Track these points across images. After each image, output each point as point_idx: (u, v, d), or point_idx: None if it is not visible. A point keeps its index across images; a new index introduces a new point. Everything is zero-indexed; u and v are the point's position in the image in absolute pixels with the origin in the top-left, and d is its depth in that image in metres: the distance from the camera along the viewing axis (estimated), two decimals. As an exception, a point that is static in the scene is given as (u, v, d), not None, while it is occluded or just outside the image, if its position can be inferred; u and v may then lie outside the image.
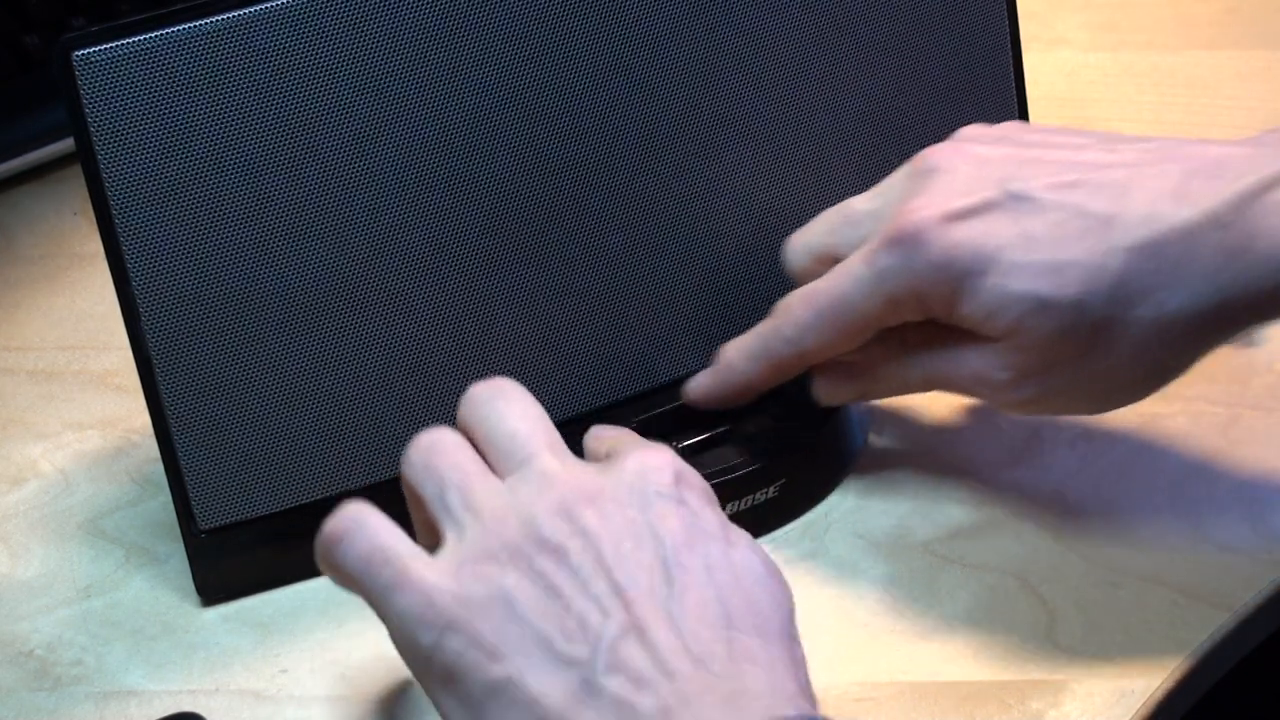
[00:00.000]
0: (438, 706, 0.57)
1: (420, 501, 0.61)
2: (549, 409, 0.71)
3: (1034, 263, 0.62)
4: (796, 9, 0.72)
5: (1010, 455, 0.73)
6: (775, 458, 0.71)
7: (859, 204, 0.68)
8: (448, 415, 0.70)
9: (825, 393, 0.70)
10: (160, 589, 0.70)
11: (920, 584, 0.68)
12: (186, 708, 0.65)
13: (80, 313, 0.84)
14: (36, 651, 0.68)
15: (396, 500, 0.70)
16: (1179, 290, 0.61)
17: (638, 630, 0.54)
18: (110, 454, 0.76)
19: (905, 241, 0.64)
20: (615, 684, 0.53)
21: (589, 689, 0.54)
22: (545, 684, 0.54)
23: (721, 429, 0.72)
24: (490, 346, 0.70)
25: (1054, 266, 0.62)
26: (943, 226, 0.63)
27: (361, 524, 0.59)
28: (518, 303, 0.70)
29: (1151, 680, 0.64)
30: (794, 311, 0.67)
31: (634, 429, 0.71)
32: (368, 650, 0.67)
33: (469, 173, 0.68)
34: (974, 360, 0.65)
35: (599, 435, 0.67)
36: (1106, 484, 0.72)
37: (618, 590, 0.55)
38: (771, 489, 0.70)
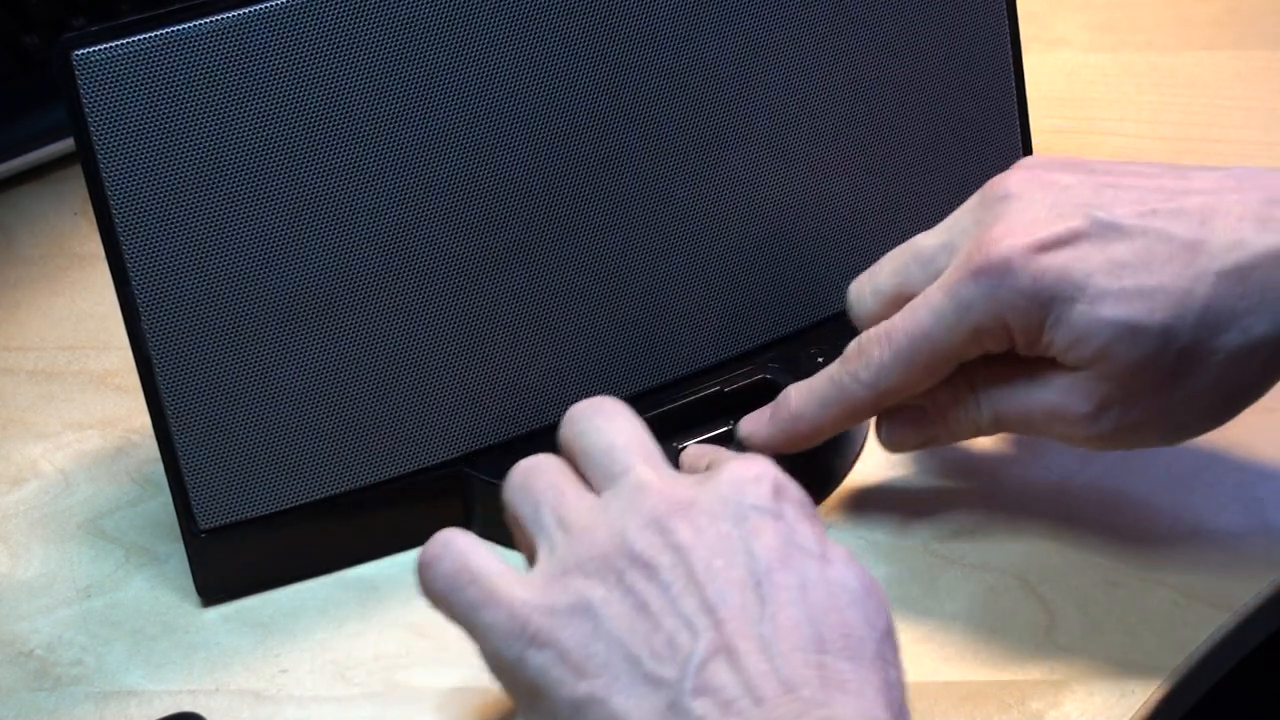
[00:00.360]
0: (524, 717, 0.57)
1: (518, 521, 0.60)
2: (549, 410, 0.71)
3: (1123, 289, 0.62)
4: (797, 9, 0.72)
5: (1010, 455, 0.73)
6: (775, 458, 0.70)
7: (927, 240, 0.67)
8: (447, 415, 0.70)
9: (893, 440, 0.69)
10: (160, 589, 0.70)
11: (920, 584, 0.68)
12: (186, 708, 0.65)
13: (80, 313, 0.84)
14: (36, 651, 0.68)
15: (397, 501, 0.70)
16: (1264, 315, 0.62)
17: (727, 652, 0.53)
18: (110, 454, 0.76)
19: (992, 271, 0.63)
20: (702, 707, 0.53)
21: (676, 711, 0.53)
22: (631, 704, 0.54)
23: (723, 429, 0.71)
24: (490, 346, 0.70)
25: (1143, 292, 0.62)
26: (1030, 255, 0.63)
27: (448, 545, 0.59)
28: (518, 302, 0.70)
29: (1151, 680, 0.64)
30: (870, 353, 0.66)
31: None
32: (368, 650, 0.67)
33: (470, 172, 0.68)
34: (1052, 394, 0.64)
35: (697, 454, 0.67)
36: (1106, 484, 0.72)
37: (708, 609, 0.54)
38: (771, 489, 0.70)
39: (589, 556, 0.57)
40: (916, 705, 0.64)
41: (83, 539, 0.72)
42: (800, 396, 0.68)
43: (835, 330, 0.75)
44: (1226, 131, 0.90)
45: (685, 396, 0.73)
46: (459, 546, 0.59)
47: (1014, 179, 0.66)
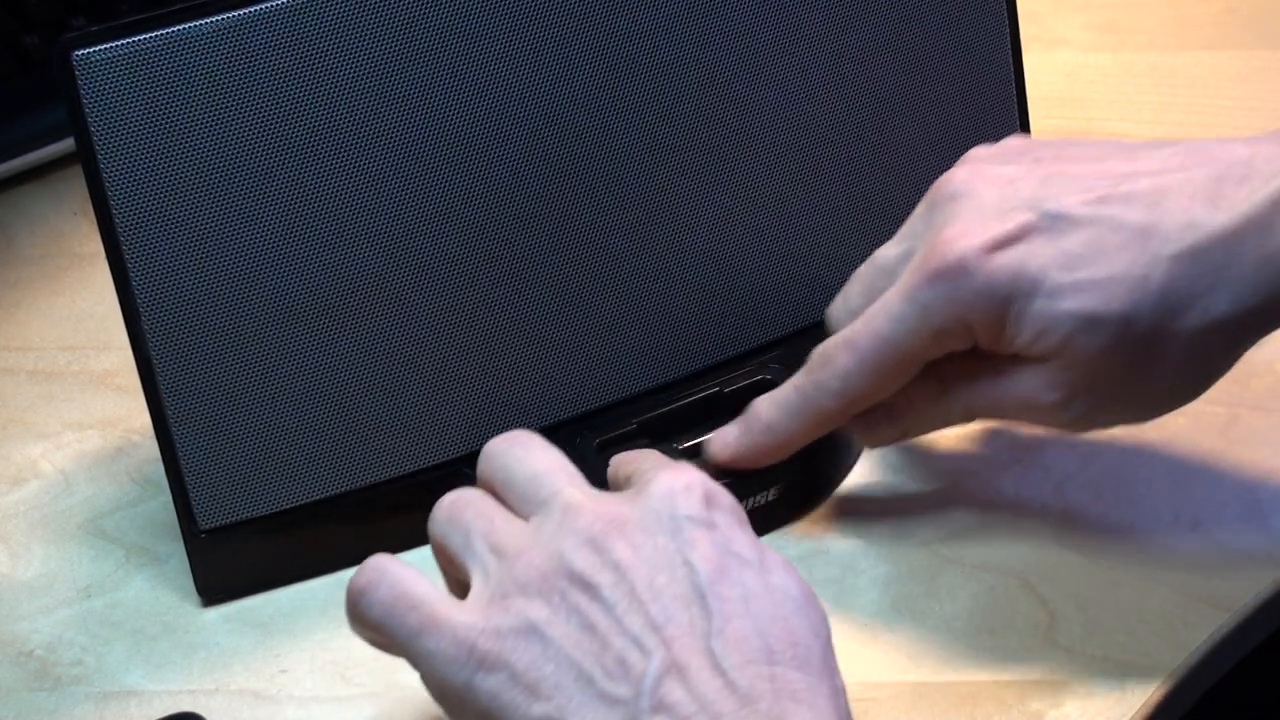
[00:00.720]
0: None
1: (448, 554, 0.60)
2: (549, 410, 0.71)
3: (1078, 281, 0.62)
4: (796, 11, 0.72)
5: (1010, 455, 0.73)
6: (780, 461, 0.70)
7: (888, 251, 0.67)
8: (446, 415, 0.70)
9: (866, 437, 0.69)
10: (160, 589, 0.70)
11: (920, 584, 0.68)
12: (186, 708, 0.65)
13: (80, 313, 0.84)
14: (36, 651, 0.68)
15: (397, 501, 0.70)
16: (1223, 295, 0.61)
17: (678, 670, 0.53)
18: (110, 454, 0.76)
19: (947, 274, 0.63)
20: None
21: None
22: None
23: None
24: (490, 347, 0.70)
25: (1098, 282, 0.62)
26: (984, 255, 0.63)
27: (384, 572, 0.58)
28: (518, 303, 0.70)
29: (1151, 680, 0.64)
30: (836, 360, 0.66)
31: (633, 429, 0.72)
32: (368, 650, 0.67)
33: (469, 173, 0.68)
34: (1020, 385, 0.65)
35: (619, 461, 0.66)
36: (1106, 484, 0.72)
37: (655, 627, 0.54)
38: (772, 491, 0.70)
39: (527, 579, 0.56)
40: (916, 705, 0.64)
41: (83, 539, 0.72)
42: (770, 409, 0.68)
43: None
44: (1226, 131, 0.90)
45: (685, 397, 0.73)
46: (395, 573, 0.58)
47: (959, 176, 0.66)
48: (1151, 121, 0.91)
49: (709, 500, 0.58)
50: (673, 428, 0.71)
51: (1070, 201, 0.63)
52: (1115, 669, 0.65)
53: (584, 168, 0.70)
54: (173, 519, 0.69)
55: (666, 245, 0.72)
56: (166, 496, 0.68)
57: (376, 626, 0.58)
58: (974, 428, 0.74)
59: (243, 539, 0.69)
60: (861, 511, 0.71)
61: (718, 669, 0.53)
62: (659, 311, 0.72)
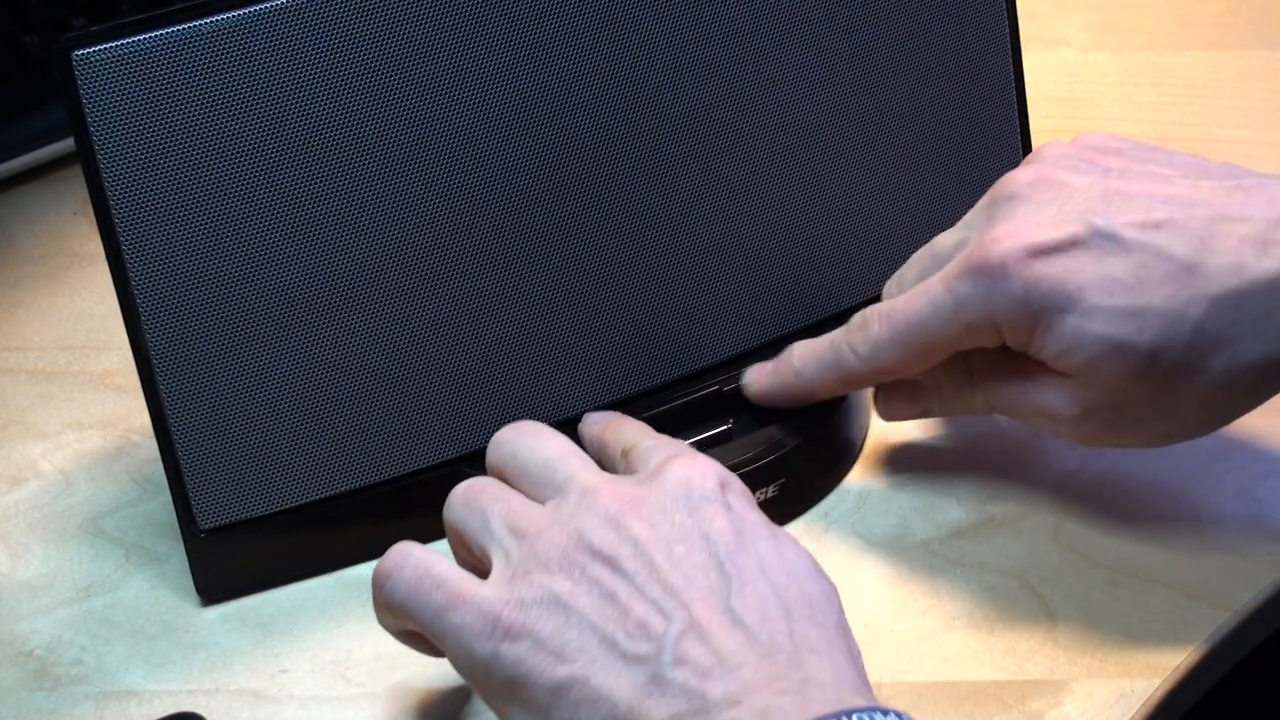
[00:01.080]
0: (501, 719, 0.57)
1: (465, 540, 0.61)
2: (549, 409, 0.71)
3: (1115, 306, 0.62)
4: (797, 11, 0.72)
5: (1010, 455, 0.73)
6: (775, 457, 0.71)
7: (945, 239, 0.68)
8: (446, 415, 0.70)
9: (888, 410, 0.71)
10: (160, 589, 0.70)
11: (920, 584, 0.68)
12: (186, 708, 0.65)
13: (80, 313, 0.84)
14: (36, 651, 0.68)
15: (398, 500, 0.70)
16: (1255, 341, 0.62)
17: (698, 628, 0.55)
18: (110, 454, 0.76)
19: (987, 271, 0.63)
20: (683, 675, 0.54)
21: (657, 682, 0.54)
22: (612, 680, 0.55)
23: (722, 428, 0.72)
24: (490, 347, 0.70)
25: (1134, 311, 0.62)
26: (1025, 260, 0.63)
27: (407, 556, 0.60)
28: (517, 303, 0.70)
29: (1151, 680, 0.64)
30: (871, 328, 0.67)
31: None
32: (368, 650, 0.67)
33: (470, 173, 0.68)
34: (1042, 394, 0.65)
35: (601, 428, 0.68)
36: (1106, 484, 0.72)
37: (674, 591, 0.56)
38: (771, 489, 0.70)
39: (548, 555, 0.57)
40: (917, 705, 0.64)
41: (83, 539, 0.72)
42: (802, 354, 0.70)
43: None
44: (1226, 131, 0.90)
45: (685, 396, 0.73)
46: (418, 556, 0.60)
47: (1023, 177, 0.66)
48: (1151, 121, 0.91)
49: (724, 485, 0.59)
50: (672, 427, 0.71)
51: (1124, 222, 0.63)
52: (1115, 669, 0.65)
53: (584, 168, 0.70)
54: (173, 519, 0.69)
55: (667, 245, 0.72)
56: (166, 496, 0.68)
57: (401, 608, 0.59)
58: (974, 425, 0.74)
59: (243, 539, 0.69)
60: (862, 511, 0.71)
61: (736, 625, 0.55)
62: (659, 311, 0.72)
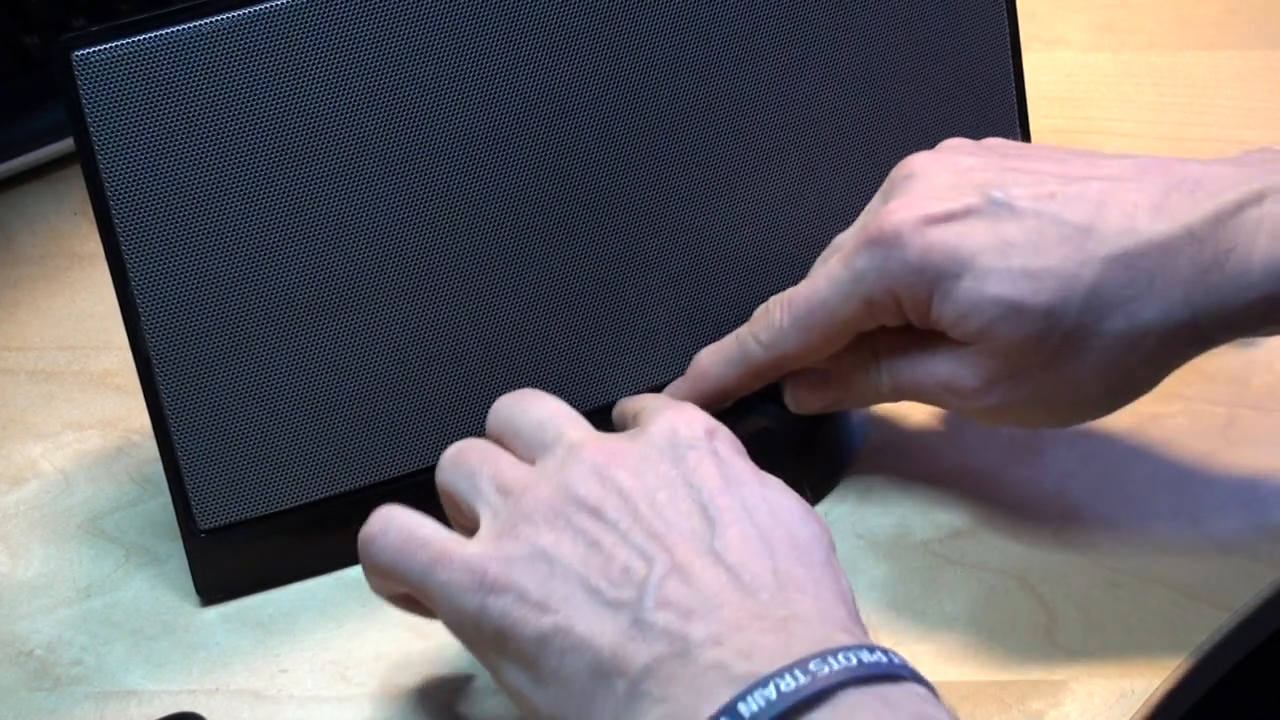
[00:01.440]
0: (494, 674, 0.58)
1: (455, 500, 0.62)
2: (549, 409, 0.71)
3: (1009, 268, 0.62)
4: (796, 12, 0.72)
5: (1010, 455, 0.73)
6: (775, 458, 0.70)
7: (844, 233, 0.69)
8: (445, 414, 0.70)
9: (797, 401, 0.70)
10: (160, 589, 0.70)
11: (920, 584, 0.68)
12: (186, 708, 0.65)
13: (80, 313, 0.84)
14: (36, 651, 0.68)
15: (396, 500, 0.70)
16: (1151, 303, 0.62)
17: (681, 571, 0.55)
18: (110, 454, 0.76)
19: (882, 242, 0.64)
20: (664, 618, 0.54)
21: (639, 626, 0.54)
22: (595, 626, 0.55)
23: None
24: (489, 348, 0.70)
25: (1029, 273, 0.62)
26: (920, 228, 0.63)
27: (390, 518, 0.60)
28: (516, 304, 0.70)
29: (1151, 680, 0.64)
30: (771, 316, 0.68)
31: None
32: (368, 650, 0.67)
33: (469, 173, 0.68)
34: (942, 366, 0.65)
35: (624, 402, 0.69)
36: (1106, 484, 0.72)
37: (657, 536, 0.56)
38: (771, 489, 0.70)
39: (534, 509, 0.58)
40: (916, 705, 0.64)
41: (83, 539, 0.72)
42: (709, 355, 0.70)
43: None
44: (1226, 131, 0.90)
45: (685, 396, 0.73)
46: (401, 518, 0.60)
47: (920, 159, 0.67)
48: (1151, 121, 0.91)
49: (710, 433, 0.60)
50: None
51: (1018, 193, 0.64)
52: (1115, 669, 0.65)
53: (582, 168, 0.70)
54: (172, 519, 0.69)
55: (666, 245, 0.72)
56: (166, 496, 0.68)
57: (388, 569, 0.60)
58: (974, 426, 0.74)
59: (242, 539, 0.69)
60: (861, 511, 0.71)
61: (719, 565, 0.55)
62: (658, 311, 0.72)
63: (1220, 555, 0.68)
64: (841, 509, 0.72)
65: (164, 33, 0.64)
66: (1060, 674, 0.65)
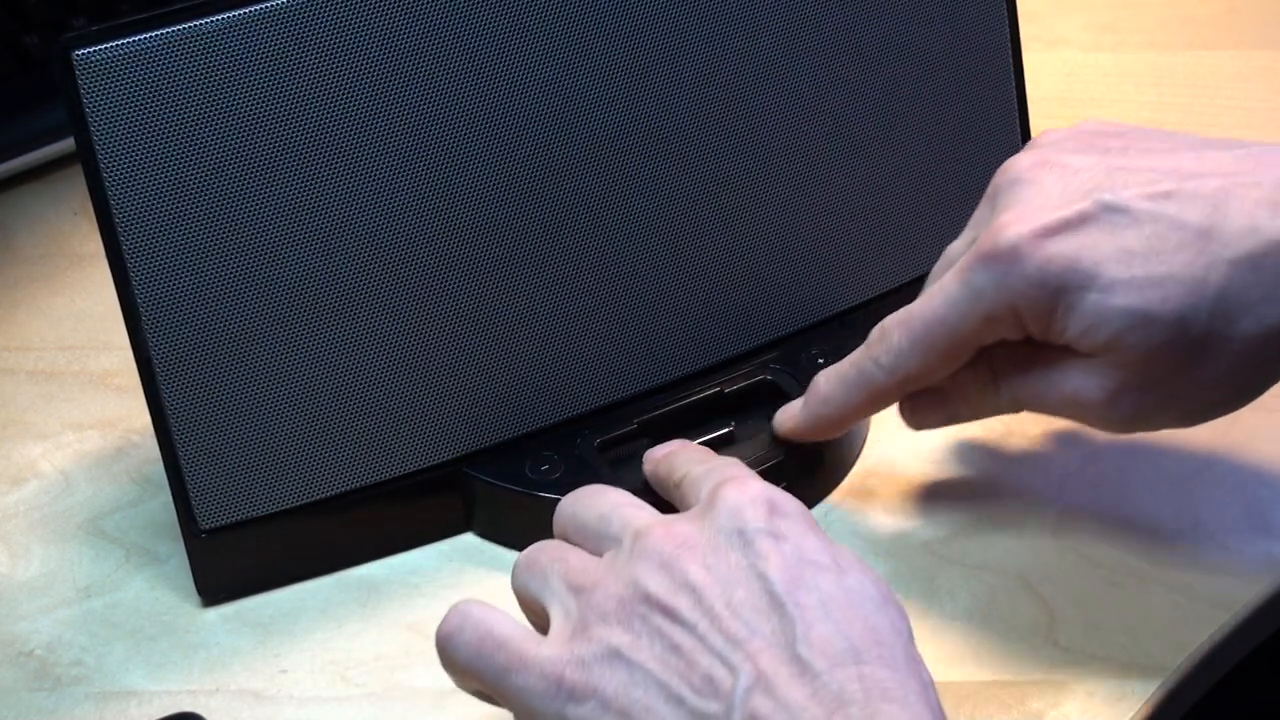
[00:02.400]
0: None
1: (529, 602, 0.60)
2: (548, 410, 0.71)
3: (1133, 277, 0.61)
4: (799, 12, 0.72)
5: (1010, 455, 0.73)
6: (776, 459, 0.70)
7: (955, 245, 0.67)
8: (447, 415, 0.70)
9: (914, 419, 0.69)
10: (160, 589, 0.70)
11: (920, 584, 0.68)
12: (186, 708, 0.65)
13: (80, 313, 0.84)
14: (36, 651, 0.68)
15: (398, 501, 0.70)
16: (1279, 303, 0.61)
17: (766, 683, 0.53)
18: (110, 454, 0.76)
19: (999, 257, 0.62)
20: None
21: None
22: None
23: (723, 430, 0.71)
24: (491, 347, 0.70)
25: (1154, 280, 0.61)
26: (1037, 241, 0.62)
27: (467, 616, 0.59)
28: (518, 303, 0.70)
29: (1151, 680, 0.64)
30: (891, 338, 0.66)
31: (634, 429, 0.72)
32: (368, 650, 0.67)
33: (470, 173, 0.68)
34: (1069, 380, 0.64)
35: (660, 460, 0.67)
36: (1106, 484, 0.71)
37: (738, 642, 0.54)
38: (771, 489, 0.70)
39: (606, 608, 0.56)
40: (916, 705, 0.64)
41: (83, 539, 0.72)
42: (827, 382, 0.68)
43: (835, 331, 0.75)
44: (1226, 131, 0.89)
45: (686, 397, 0.73)
46: (478, 615, 0.59)
47: (1023, 163, 0.65)
48: (1151, 121, 0.91)
49: (774, 509, 0.58)
50: (674, 428, 0.71)
51: (1132, 195, 0.62)
52: (1115, 669, 0.65)
53: (584, 168, 0.70)
54: (173, 519, 0.69)
55: (667, 246, 0.72)
56: (166, 496, 0.68)
57: (465, 668, 0.59)
58: (974, 426, 0.74)
59: (242, 539, 0.69)
60: (862, 511, 0.71)
61: (805, 675, 0.53)
62: (659, 312, 0.72)
63: (1220, 555, 0.68)
64: (842, 509, 0.72)
65: (164, 33, 0.64)
66: (1060, 674, 0.65)
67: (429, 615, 0.68)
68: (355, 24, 0.65)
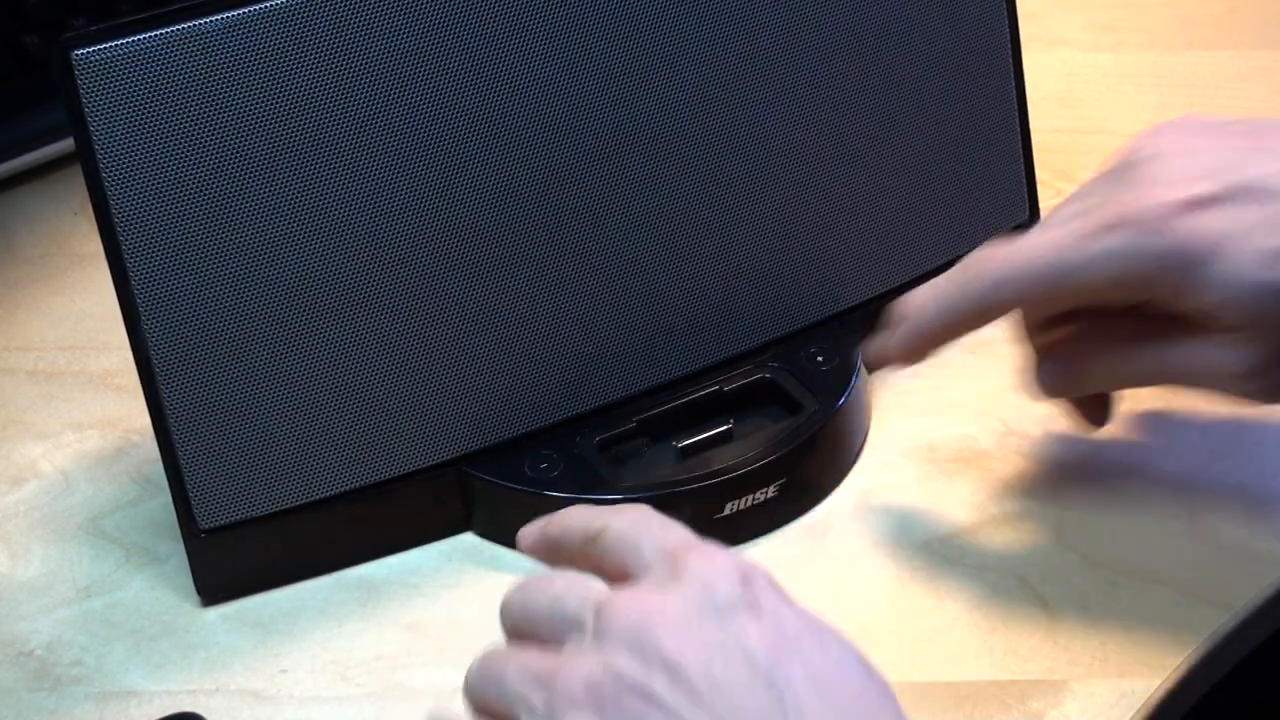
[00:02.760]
0: None
1: (490, 709, 0.55)
2: (548, 410, 0.71)
3: (1272, 250, 0.61)
4: (798, 12, 0.72)
5: (1011, 455, 0.73)
6: (775, 458, 0.70)
7: (1065, 207, 0.66)
8: (447, 415, 0.70)
9: (1052, 384, 0.68)
10: (160, 589, 0.70)
11: (920, 584, 0.68)
12: (186, 708, 0.65)
13: (80, 313, 0.84)
14: (36, 651, 0.68)
15: (397, 501, 0.70)
16: None
17: None
18: (110, 454, 0.76)
19: (1139, 225, 0.62)
20: None
21: None
22: None
23: (722, 429, 0.72)
24: (490, 346, 0.70)
25: None
26: (1180, 213, 0.62)
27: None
28: (518, 303, 0.70)
29: (1151, 680, 0.64)
30: (995, 259, 0.65)
31: (633, 428, 0.72)
32: (368, 650, 0.67)
33: (469, 173, 0.68)
34: (1207, 352, 0.63)
35: (549, 520, 0.59)
36: (1106, 484, 0.72)
37: None
38: (771, 489, 0.70)
39: (574, 692, 0.51)
40: (916, 705, 0.64)
41: (83, 539, 0.72)
42: (920, 297, 0.67)
43: (834, 330, 0.75)
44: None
45: (685, 396, 0.73)
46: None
47: (1154, 141, 0.65)
48: (1152, 121, 0.90)
49: (746, 580, 0.53)
50: (673, 427, 0.71)
51: (1265, 172, 0.62)
52: (1115, 669, 0.65)
53: (583, 169, 0.70)
54: (173, 519, 0.69)
55: (667, 245, 0.72)
56: (166, 496, 0.68)
57: None
58: (975, 425, 0.74)
59: (242, 539, 0.69)
60: (862, 511, 0.71)
61: None
62: (659, 311, 0.72)
63: (1220, 555, 0.68)
64: (842, 509, 0.72)
65: (164, 32, 0.64)
66: (1060, 674, 0.65)
67: (429, 615, 0.68)
68: (355, 24, 0.65)
